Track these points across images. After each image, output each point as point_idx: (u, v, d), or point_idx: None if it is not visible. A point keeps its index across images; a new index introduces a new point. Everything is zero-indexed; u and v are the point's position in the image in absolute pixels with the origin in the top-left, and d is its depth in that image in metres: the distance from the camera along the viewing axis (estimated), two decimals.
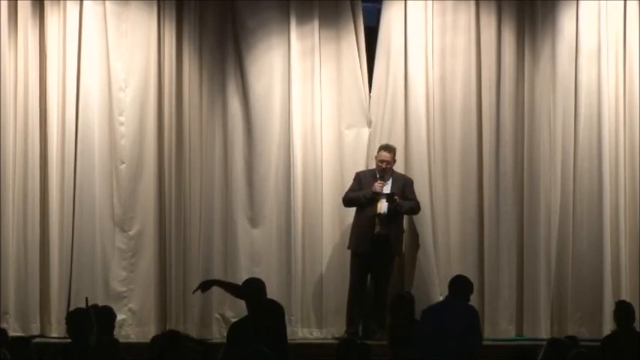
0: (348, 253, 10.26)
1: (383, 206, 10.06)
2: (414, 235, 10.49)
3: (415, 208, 10.23)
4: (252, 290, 7.96)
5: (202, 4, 10.73)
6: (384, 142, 10.52)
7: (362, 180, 10.20)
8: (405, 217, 10.40)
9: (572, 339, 8.02)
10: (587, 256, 10.46)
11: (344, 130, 10.67)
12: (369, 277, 10.26)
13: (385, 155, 10.18)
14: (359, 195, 10.13)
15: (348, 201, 10.24)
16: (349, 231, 10.29)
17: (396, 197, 10.00)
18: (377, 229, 10.05)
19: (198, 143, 10.66)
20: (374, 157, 10.34)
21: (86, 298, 8.81)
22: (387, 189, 10.11)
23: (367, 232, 10.06)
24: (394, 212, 10.06)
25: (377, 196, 10.04)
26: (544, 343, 7.76)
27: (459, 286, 8.45)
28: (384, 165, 10.16)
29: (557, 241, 10.51)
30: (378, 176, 10.14)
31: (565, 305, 10.46)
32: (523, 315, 10.50)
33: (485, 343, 9.94)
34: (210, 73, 10.72)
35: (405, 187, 10.19)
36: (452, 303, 8.35)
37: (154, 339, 7.28)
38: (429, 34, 10.61)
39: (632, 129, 10.56)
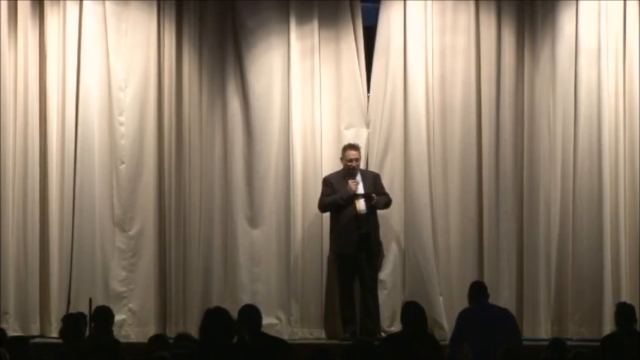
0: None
1: (361, 205, 10.10)
2: (414, 236, 10.47)
3: (389, 202, 10.28)
4: (249, 318, 7.70)
5: (202, 4, 10.74)
6: (382, 142, 10.56)
7: (333, 183, 10.21)
8: (404, 217, 10.43)
9: (559, 341, 8.04)
10: (587, 256, 10.44)
11: (343, 130, 10.67)
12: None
13: (354, 154, 10.22)
14: (336, 198, 10.14)
15: (324, 206, 10.24)
16: None
17: (374, 195, 10.04)
18: (360, 229, 10.06)
19: (198, 143, 10.67)
20: (340, 159, 10.35)
21: (90, 299, 8.83)
22: (360, 187, 10.12)
23: (351, 233, 10.08)
24: (372, 210, 10.11)
25: (354, 197, 10.07)
26: (544, 343, 7.75)
27: (484, 290, 8.69)
28: (353, 163, 10.18)
29: (557, 241, 10.50)
30: (347, 176, 10.15)
31: (565, 305, 10.45)
32: (523, 315, 10.48)
33: None
34: (210, 73, 10.73)
35: (375, 182, 10.23)
36: (489, 308, 8.53)
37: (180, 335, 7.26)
38: (428, 34, 10.60)
39: (632, 129, 10.54)
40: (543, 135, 10.58)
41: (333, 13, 10.71)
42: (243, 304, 10.20)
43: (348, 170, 10.19)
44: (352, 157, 10.20)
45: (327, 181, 10.28)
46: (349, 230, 10.09)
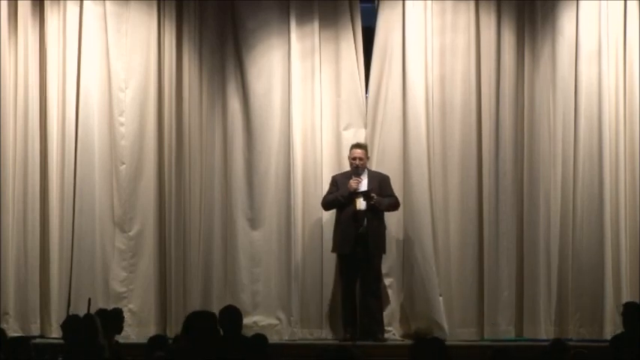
0: None
1: (361, 204, 10.07)
2: (414, 236, 10.47)
3: (395, 204, 10.24)
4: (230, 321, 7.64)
5: (202, 4, 10.74)
6: (382, 142, 10.54)
7: (338, 182, 10.21)
8: (404, 217, 10.39)
9: (560, 342, 8.02)
10: (587, 255, 10.43)
11: (342, 130, 10.66)
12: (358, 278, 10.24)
13: (358, 152, 10.20)
14: (336, 196, 10.14)
15: (326, 204, 10.24)
16: None
17: (373, 194, 10.01)
18: (359, 227, 10.03)
19: (198, 143, 10.67)
20: (347, 158, 10.34)
21: (89, 299, 8.83)
22: (363, 186, 10.11)
23: (350, 231, 10.06)
24: (372, 210, 10.06)
25: (354, 195, 10.05)
26: (543, 343, 7.73)
27: None
28: (357, 162, 10.17)
29: (557, 241, 10.48)
30: (353, 175, 10.14)
31: (565, 306, 10.43)
32: (523, 315, 10.47)
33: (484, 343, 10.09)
34: (210, 73, 10.73)
35: (381, 183, 10.20)
36: None
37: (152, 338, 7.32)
38: (428, 34, 10.59)
39: (632, 129, 10.53)
40: (543, 135, 10.57)
41: (332, 14, 10.70)
42: (243, 303, 10.35)
43: (354, 168, 10.18)
44: (356, 155, 10.19)
45: (333, 180, 10.28)
46: (348, 229, 10.08)
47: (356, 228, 10.05)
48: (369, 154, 10.32)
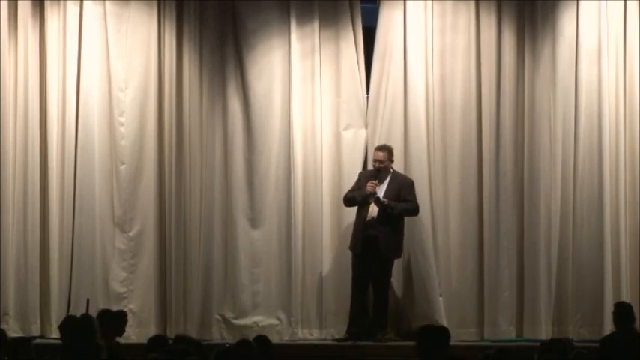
0: (348, 253, 10.25)
1: (374, 209, 10.06)
2: (414, 236, 10.47)
3: (411, 210, 10.17)
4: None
5: (202, 4, 10.73)
6: (382, 142, 10.52)
7: (362, 180, 10.21)
8: (406, 218, 10.37)
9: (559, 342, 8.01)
10: (587, 256, 10.44)
11: (342, 131, 10.66)
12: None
13: (378, 155, 10.19)
14: (355, 195, 10.15)
15: (346, 200, 10.26)
16: (348, 231, 10.30)
17: (384, 200, 9.99)
18: (367, 230, 10.03)
19: (198, 143, 10.67)
20: (372, 158, 10.35)
21: (87, 300, 8.83)
22: (381, 191, 10.09)
23: (359, 233, 10.08)
24: (385, 214, 10.04)
25: (369, 198, 10.04)
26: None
27: None
28: (377, 165, 10.17)
29: (557, 241, 10.49)
30: (375, 176, 10.13)
31: (565, 306, 10.44)
32: (523, 315, 10.48)
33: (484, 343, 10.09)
34: (210, 73, 10.72)
35: (401, 188, 10.16)
36: None
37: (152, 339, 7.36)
38: (428, 34, 10.60)
39: (632, 129, 10.54)
40: (543, 135, 10.58)
41: (333, 14, 10.70)
42: (244, 303, 10.37)
43: (375, 170, 10.18)
44: (377, 158, 10.18)
45: (359, 177, 10.28)
46: (359, 230, 10.09)
47: (363, 231, 10.04)
48: (393, 157, 10.25)
